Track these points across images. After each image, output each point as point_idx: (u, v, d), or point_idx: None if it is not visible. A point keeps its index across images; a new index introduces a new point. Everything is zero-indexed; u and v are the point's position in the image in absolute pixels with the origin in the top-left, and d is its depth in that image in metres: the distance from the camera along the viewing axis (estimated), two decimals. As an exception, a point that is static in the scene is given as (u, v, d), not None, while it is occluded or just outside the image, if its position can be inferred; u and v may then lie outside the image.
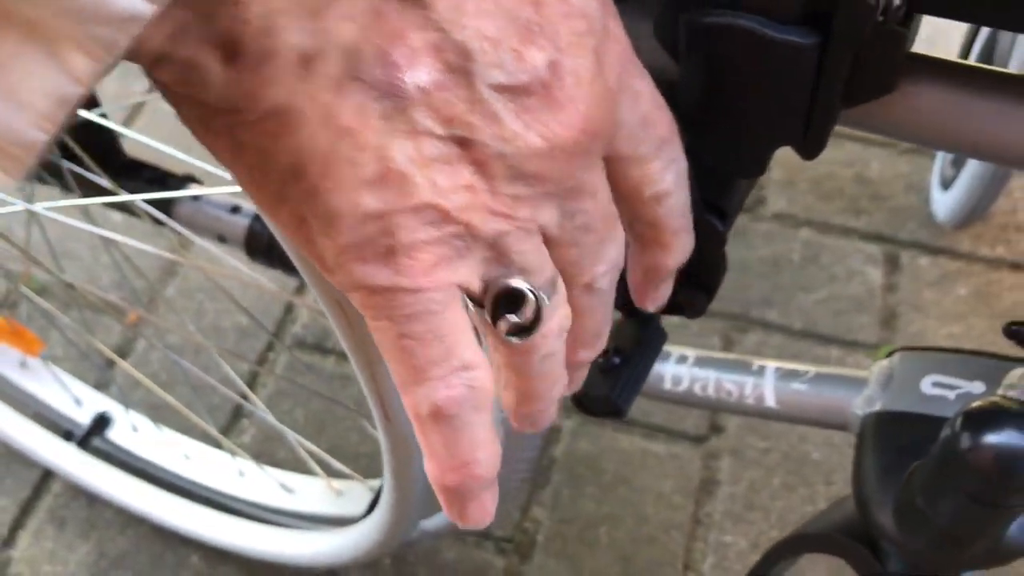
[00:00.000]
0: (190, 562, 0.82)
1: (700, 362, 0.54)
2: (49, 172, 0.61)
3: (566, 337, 0.30)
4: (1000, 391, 0.47)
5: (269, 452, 0.88)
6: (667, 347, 0.56)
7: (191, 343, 0.93)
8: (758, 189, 1.07)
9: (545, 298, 0.27)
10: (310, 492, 0.75)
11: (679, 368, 0.55)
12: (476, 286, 0.26)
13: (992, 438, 0.39)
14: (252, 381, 0.93)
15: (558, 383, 0.31)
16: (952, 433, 0.40)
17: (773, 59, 0.32)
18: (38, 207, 0.51)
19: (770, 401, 0.52)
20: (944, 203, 1.00)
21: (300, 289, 0.97)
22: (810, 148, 0.36)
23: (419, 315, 0.25)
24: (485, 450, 0.28)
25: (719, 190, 0.39)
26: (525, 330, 0.28)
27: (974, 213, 0.96)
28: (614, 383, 0.43)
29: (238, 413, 0.91)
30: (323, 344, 0.95)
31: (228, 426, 0.90)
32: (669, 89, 0.33)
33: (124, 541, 0.83)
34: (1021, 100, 0.35)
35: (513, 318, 0.27)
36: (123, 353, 0.95)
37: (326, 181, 0.23)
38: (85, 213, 0.62)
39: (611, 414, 0.44)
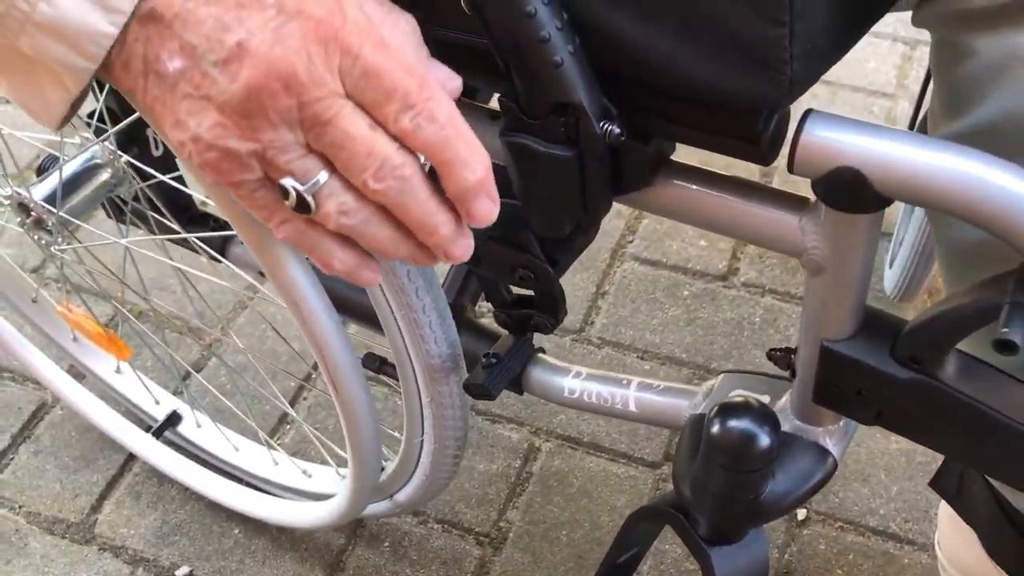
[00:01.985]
0: (233, 533, 1.03)
1: (589, 377, 0.73)
2: (139, 219, 0.84)
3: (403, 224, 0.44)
4: (779, 402, 0.64)
5: (304, 450, 1.09)
6: (568, 365, 0.74)
7: (252, 363, 1.15)
8: (732, 260, 1.24)
9: (304, 190, 0.42)
10: (323, 476, 0.95)
11: (574, 381, 0.73)
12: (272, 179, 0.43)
13: (732, 424, 0.57)
14: (296, 395, 1.15)
15: (385, 245, 0.45)
16: (709, 421, 0.58)
17: (549, 165, 0.51)
18: (124, 241, 0.74)
19: (632, 407, 0.71)
20: (890, 278, 1.16)
21: (341, 324, 1.19)
22: (589, 221, 0.55)
23: (243, 195, 0.44)
24: (337, 253, 0.45)
25: (552, 246, 0.59)
26: (302, 209, 0.43)
27: (910, 287, 1.11)
28: (489, 376, 0.63)
29: (283, 419, 1.13)
30: (355, 369, 1.16)
31: (275, 428, 1.12)
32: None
33: (183, 513, 1.05)
34: (734, 193, 0.54)
35: (285, 201, 0.43)
36: (198, 367, 1.18)
37: (159, 127, 0.43)
38: (164, 251, 0.85)
39: (485, 396, 0.64)
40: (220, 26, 0.40)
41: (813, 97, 1.45)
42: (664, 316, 1.20)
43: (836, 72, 1.61)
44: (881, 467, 1.06)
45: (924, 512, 1.02)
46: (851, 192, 0.47)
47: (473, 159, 0.43)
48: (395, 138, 0.42)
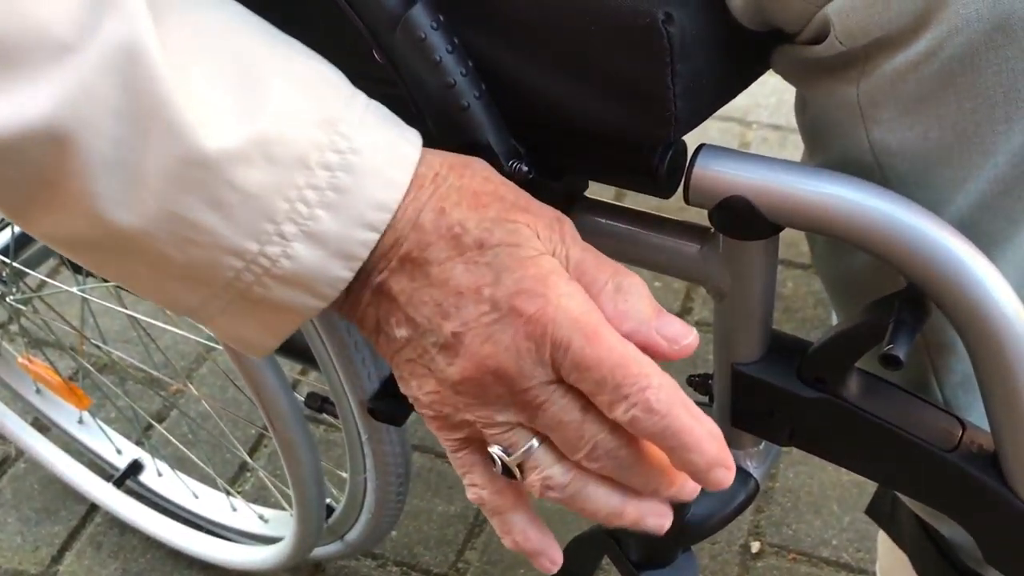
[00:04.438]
0: (193, 580, 1.04)
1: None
2: (95, 269, 0.86)
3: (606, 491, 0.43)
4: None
5: (263, 497, 1.10)
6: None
7: (212, 413, 1.17)
8: (686, 301, 1.27)
9: (510, 461, 0.43)
10: (279, 521, 0.97)
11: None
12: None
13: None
14: (257, 443, 1.16)
15: (602, 513, 0.44)
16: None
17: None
18: (76, 289, 0.76)
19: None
20: (836, 317, 1.19)
21: (302, 372, 1.21)
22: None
23: (449, 448, 0.46)
24: (513, 528, 0.46)
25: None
26: (510, 474, 0.44)
27: (855, 323, 1.14)
28: (396, 401, 0.65)
29: (243, 467, 1.14)
30: (315, 417, 1.18)
31: (235, 476, 1.13)
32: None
33: (144, 561, 1.06)
34: (642, 226, 0.57)
35: (495, 468, 0.44)
36: (160, 418, 1.19)
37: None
38: (119, 300, 0.87)
39: (392, 421, 0.66)
40: (440, 312, 0.41)
41: (763, 142, 1.49)
42: (619, 356, 1.22)
43: (787, 116, 1.66)
44: (833, 499, 1.08)
45: (875, 542, 1.03)
46: (743, 220, 0.50)
47: (700, 442, 0.41)
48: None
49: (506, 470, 0.44)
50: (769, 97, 1.55)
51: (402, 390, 0.45)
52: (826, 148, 0.50)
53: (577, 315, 0.41)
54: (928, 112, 0.45)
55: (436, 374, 0.42)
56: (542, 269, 0.41)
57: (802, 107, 0.52)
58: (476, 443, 0.45)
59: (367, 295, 0.43)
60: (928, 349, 0.54)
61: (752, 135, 1.51)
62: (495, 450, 0.43)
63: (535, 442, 0.43)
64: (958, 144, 0.45)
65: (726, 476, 0.42)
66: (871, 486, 1.13)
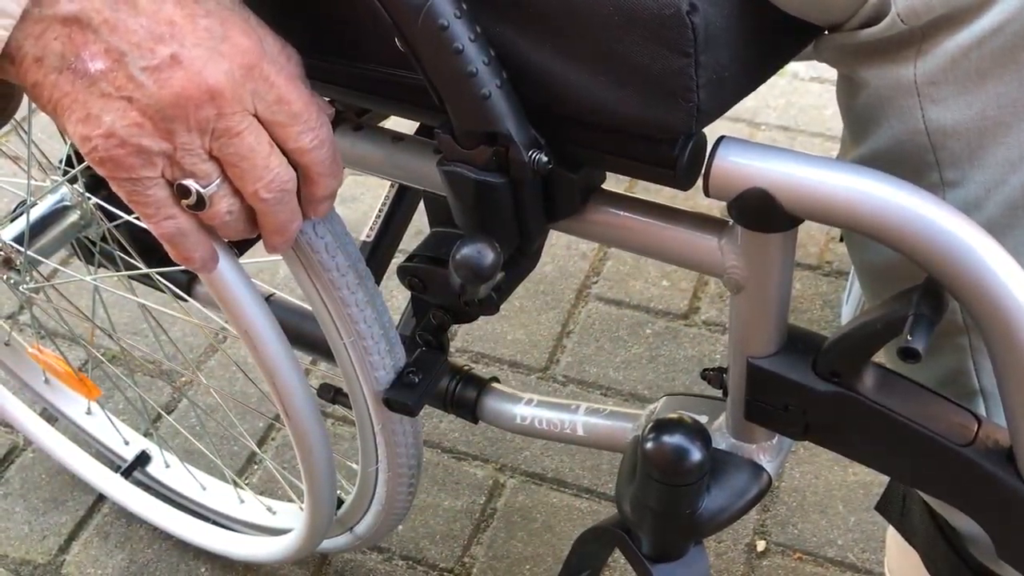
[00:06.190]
0: (199, 572, 1.04)
1: (539, 404, 0.75)
2: (108, 261, 0.87)
3: (263, 225, 0.51)
4: (716, 421, 0.67)
5: (271, 489, 1.10)
6: (520, 393, 0.77)
7: (223, 404, 1.17)
8: (693, 300, 1.27)
9: (205, 192, 0.48)
10: (287, 513, 0.97)
11: (526, 409, 0.76)
12: (168, 179, 0.48)
13: (664, 439, 0.59)
14: (265, 435, 1.17)
15: (238, 237, 0.52)
16: (643, 438, 0.60)
17: (483, 191, 0.54)
18: (89, 278, 0.77)
19: (580, 431, 0.73)
20: (845, 313, 1.19)
21: (312, 363, 1.21)
22: (527, 248, 0.58)
23: (136, 191, 0.48)
24: (200, 247, 0.52)
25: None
26: (199, 207, 0.49)
27: (864, 323, 1.14)
28: (410, 392, 0.66)
29: (251, 459, 1.14)
30: (323, 408, 1.18)
31: (243, 467, 1.13)
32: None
33: (151, 552, 1.06)
34: (659, 218, 0.57)
35: (185, 200, 0.49)
36: (169, 409, 1.20)
37: (60, 120, 0.47)
38: (131, 290, 0.88)
39: (406, 412, 0.66)
40: (152, 37, 0.45)
41: (772, 143, 1.49)
42: (627, 354, 1.22)
43: (795, 118, 1.66)
44: (839, 498, 1.08)
45: (881, 542, 1.04)
46: (762, 212, 0.50)
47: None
48: (286, 155, 0.50)
49: (199, 202, 0.49)
50: (778, 99, 1.55)
51: (80, 132, 0.46)
52: (876, 131, 0.50)
53: (277, 57, 0.49)
54: (988, 90, 0.45)
55: (142, 100, 0.45)
56: (253, 22, 0.48)
57: (848, 91, 0.52)
58: (163, 179, 0.48)
59: (55, 27, 0.44)
60: (969, 332, 0.54)
61: (761, 136, 1.51)
62: (190, 182, 0.48)
63: (220, 176, 0.49)
64: (1017, 123, 0.45)
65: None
66: (877, 486, 1.13)
